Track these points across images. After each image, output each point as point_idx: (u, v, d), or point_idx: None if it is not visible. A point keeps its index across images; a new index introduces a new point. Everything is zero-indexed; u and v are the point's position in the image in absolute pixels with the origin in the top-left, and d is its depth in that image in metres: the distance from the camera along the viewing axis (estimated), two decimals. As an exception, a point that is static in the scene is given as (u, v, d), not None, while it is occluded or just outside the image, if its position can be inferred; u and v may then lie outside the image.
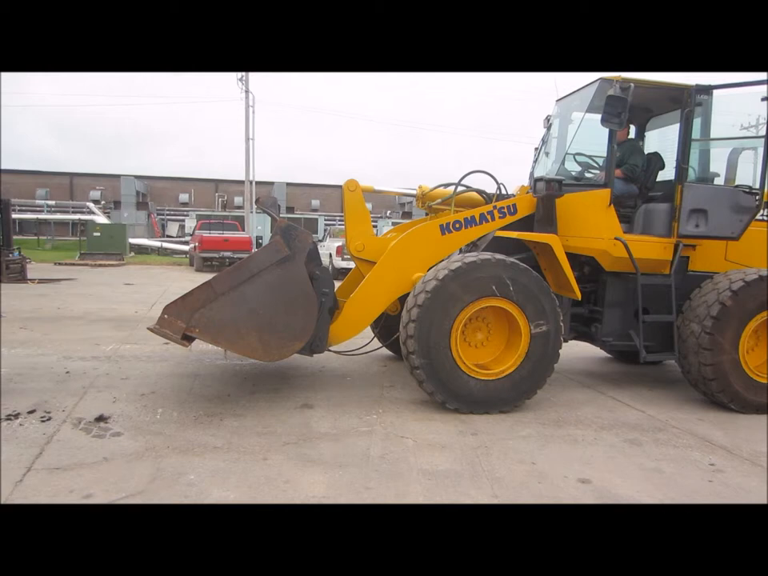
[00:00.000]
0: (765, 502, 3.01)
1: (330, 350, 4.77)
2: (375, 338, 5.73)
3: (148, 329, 3.77)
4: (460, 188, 5.13)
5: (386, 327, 5.43)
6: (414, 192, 5.70)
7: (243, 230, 23.79)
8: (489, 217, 4.78)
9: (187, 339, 3.72)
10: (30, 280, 12.87)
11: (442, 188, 5.43)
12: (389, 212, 38.50)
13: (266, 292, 3.81)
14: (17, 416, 3.72)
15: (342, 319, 4.64)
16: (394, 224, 28.80)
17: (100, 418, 3.75)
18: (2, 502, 2.55)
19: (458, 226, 4.73)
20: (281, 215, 4.99)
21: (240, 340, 3.79)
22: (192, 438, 3.47)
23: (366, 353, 5.49)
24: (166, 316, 3.70)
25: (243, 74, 25.11)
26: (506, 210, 4.81)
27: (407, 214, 36.68)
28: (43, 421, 3.66)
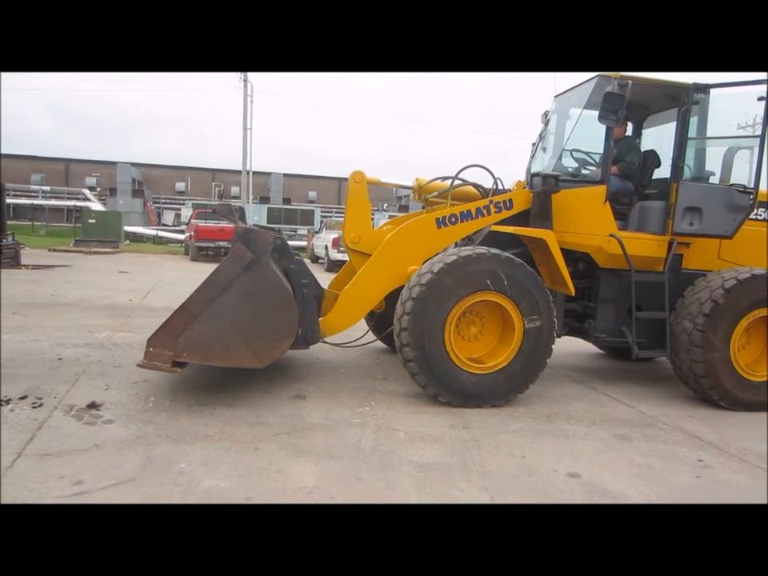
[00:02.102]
0: (754, 499, 3.04)
1: (325, 342, 4.78)
2: (370, 331, 5.74)
3: (137, 365, 3.73)
4: (456, 181, 5.13)
5: (380, 320, 5.44)
6: (411, 185, 5.70)
7: (239, 220, 23.68)
8: (485, 211, 4.78)
9: (178, 365, 3.69)
10: (23, 266, 12.80)
11: (438, 181, 5.42)
12: (386, 205, 38.44)
13: (242, 300, 3.79)
14: (8, 401, 3.71)
15: (336, 311, 4.64)
16: (390, 217, 28.79)
17: (92, 405, 3.74)
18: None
19: (453, 219, 4.73)
20: (249, 222, 4.93)
21: (229, 353, 3.77)
22: (184, 427, 3.47)
23: (360, 345, 5.50)
24: (151, 349, 3.68)
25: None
26: (502, 205, 4.81)
27: (404, 207, 36.57)
28: (35, 407, 3.66)
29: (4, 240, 13.10)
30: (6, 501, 2.45)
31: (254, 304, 3.82)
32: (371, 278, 4.64)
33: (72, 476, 2.73)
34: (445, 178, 5.32)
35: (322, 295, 4.88)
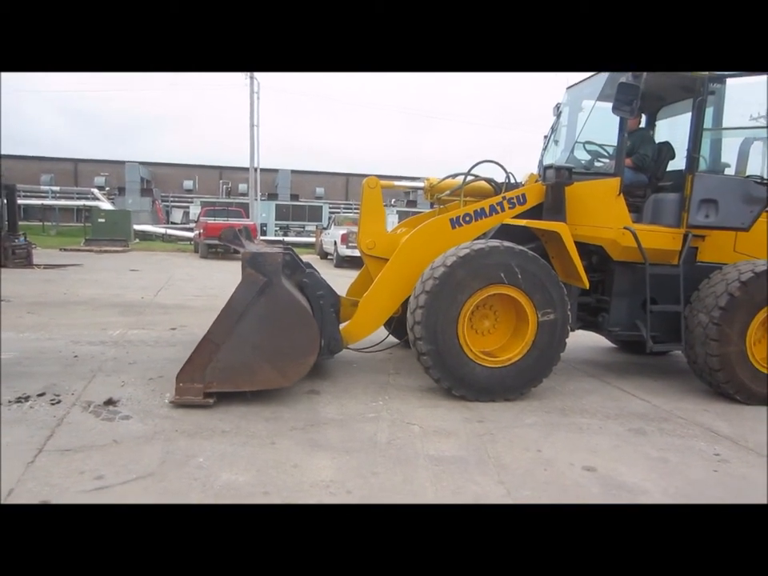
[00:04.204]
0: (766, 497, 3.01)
1: (348, 348, 4.80)
2: (389, 335, 5.68)
3: (170, 402, 3.79)
4: (468, 177, 5.11)
5: (399, 323, 5.39)
6: (422, 185, 5.69)
7: (248, 217, 23.78)
8: (498, 208, 4.77)
9: (210, 396, 3.78)
10: (36, 265, 12.92)
11: (450, 179, 5.39)
12: (393, 200, 38.34)
13: (261, 323, 3.83)
14: (27, 398, 3.75)
15: (357, 318, 4.68)
16: (398, 212, 28.74)
17: (109, 402, 3.77)
18: (15, 482, 2.58)
19: (468, 219, 4.72)
20: (249, 241, 4.89)
21: (256, 377, 3.84)
22: (200, 422, 3.49)
23: (382, 349, 5.45)
24: (181, 384, 3.76)
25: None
26: (515, 201, 4.79)
27: (412, 203, 36.50)
28: (53, 403, 3.69)
29: (16, 240, 13.22)
30: (29, 496, 2.48)
31: (274, 326, 3.85)
32: (389, 283, 4.65)
33: (92, 471, 2.76)
34: (456, 176, 5.30)
35: (339, 303, 4.91)
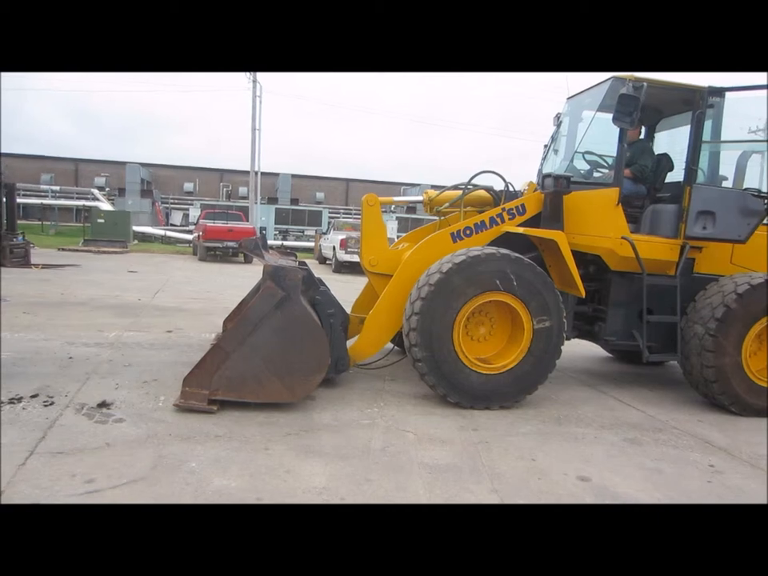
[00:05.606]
0: (764, 502, 3.02)
1: (355, 366, 4.78)
2: (392, 351, 5.62)
3: (174, 405, 3.76)
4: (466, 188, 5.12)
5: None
6: (421, 199, 5.71)
7: (247, 221, 23.79)
8: (498, 220, 4.78)
9: (214, 403, 3.78)
10: (33, 265, 12.89)
11: (448, 191, 5.39)
12: (393, 206, 38.42)
13: (274, 337, 3.82)
14: (20, 400, 3.73)
15: (364, 336, 4.70)
16: (398, 218, 28.76)
17: (102, 404, 3.75)
18: (5, 484, 2.57)
19: (468, 232, 4.73)
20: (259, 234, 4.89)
21: (263, 389, 3.83)
22: (194, 426, 3.48)
23: (386, 365, 5.33)
24: (187, 388, 3.75)
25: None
26: (514, 211, 4.80)
27: (411, 209, 36.56)
28: (46, 405, 3.67)
29: (14, 239, 13.20)
30: (18, 499, 2.46)
31: (286, 340, 3.84)
32: (393, 300, 4.65)
33: (83, 474, 2.74)
34: (456, 187, 5.31)
35: (348, 321, 4.92)
